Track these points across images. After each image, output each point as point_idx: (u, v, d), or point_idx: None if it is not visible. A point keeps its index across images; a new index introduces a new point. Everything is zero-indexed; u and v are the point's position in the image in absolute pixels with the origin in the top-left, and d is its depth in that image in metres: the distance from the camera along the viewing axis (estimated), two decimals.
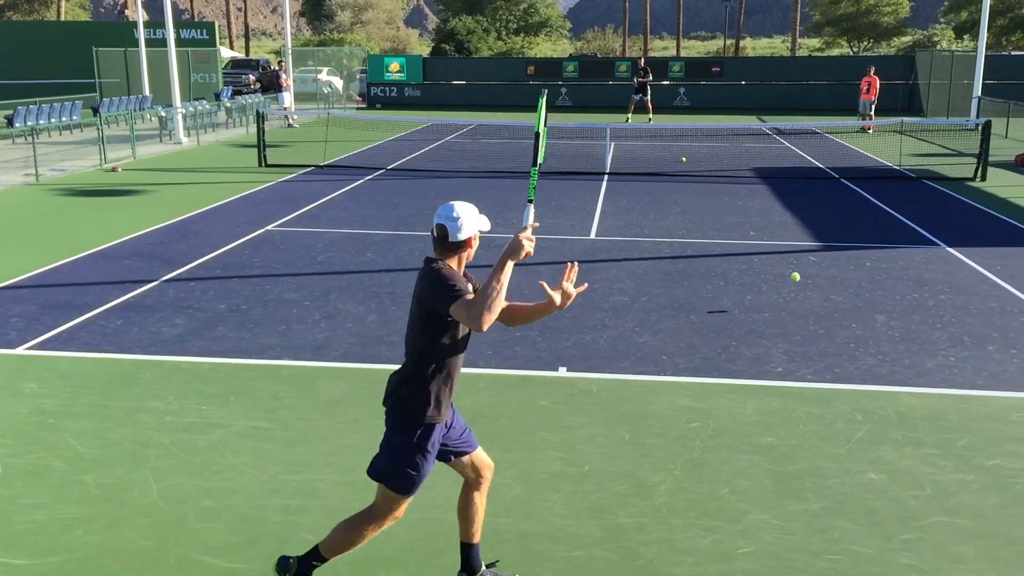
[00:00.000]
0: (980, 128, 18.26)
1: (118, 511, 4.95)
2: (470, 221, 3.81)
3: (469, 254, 3.90)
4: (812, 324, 8.37)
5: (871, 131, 26.80)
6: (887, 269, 10.46)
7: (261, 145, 19.47)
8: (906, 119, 24.95)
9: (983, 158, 17.68)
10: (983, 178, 17.50)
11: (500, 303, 3.59)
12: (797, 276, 6.76)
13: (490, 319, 3.55)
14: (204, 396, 6.58)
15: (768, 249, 11.53)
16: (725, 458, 5.64)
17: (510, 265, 3.62)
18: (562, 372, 7.11)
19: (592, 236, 12.24)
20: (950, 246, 11.68)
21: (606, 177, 17.73)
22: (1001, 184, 17.14)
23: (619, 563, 4.49)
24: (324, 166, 19.32)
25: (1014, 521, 4.88)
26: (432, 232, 3.84)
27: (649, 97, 30.30)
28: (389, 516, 3.96)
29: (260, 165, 19.17)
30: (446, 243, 3.81)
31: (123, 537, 4.69)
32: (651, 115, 30.53)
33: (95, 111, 24.88)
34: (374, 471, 3.90)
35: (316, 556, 4.08)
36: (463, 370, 7.09)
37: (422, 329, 3.79)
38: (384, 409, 3.90)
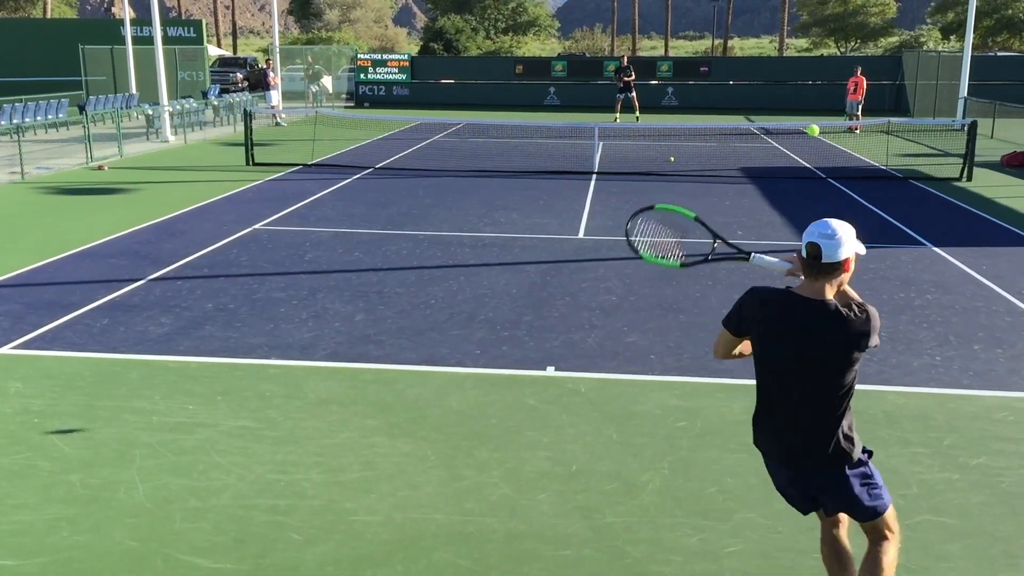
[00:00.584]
0: (966, 128, 18.35)
1: (104, 511, 4.92)
2: (848, 241, 3.45)
3: (843, 279, 3.50)
4: None
5: (858, 131, 26.90)
6: (874, 269, 10.50)
7: (249, 144, 19.40)
8: (893, 119, 25.02)
9: (969, 158, 17.77)
10: (969, 178, 17.59)
11: None
12: (816, 129, 6.34)
13: None
14: (191, 396, 6.55)
15: (756, 249, 11.52)
16: (713, 457, 5.65)
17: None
18: (550, 372, 7.11)
19: (580, 236, 12.24)
20: (936, 246, 11.74)
21: (594, 177, 17.74)
22: (987, 184, 17.23)
23: (607, 563, 4.49)
24: (312, 165, 19.27)
25: (999, 519, 4.91)
26: (801, 252, 3.51)
27: (635, 95, 30.30)
28: (897, 530, 3.77)
29: (248, 164, 19.10)
30: (818, 264, 3.44)
31: (109, 538, 4.66)
32: (638, 114, 30.55)
33: (81, 109, 24.72)
34: (872, 512, 3.67)
35: None
36: (450, 369, 7.11)
37: (851, 372, 3.54)
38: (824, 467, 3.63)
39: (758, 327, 3.62)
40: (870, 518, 3.68)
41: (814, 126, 6.44)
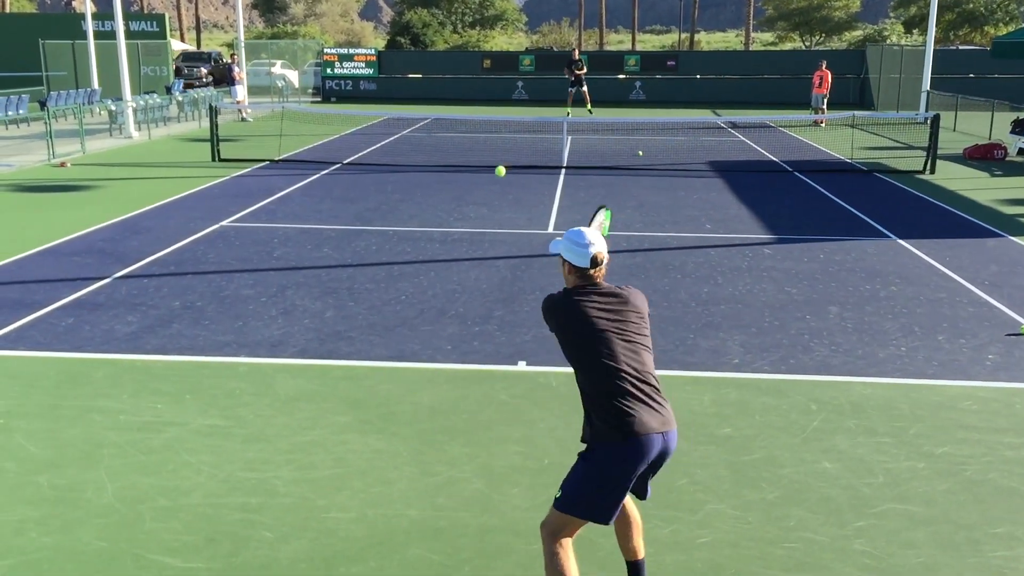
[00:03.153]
0: (929, 122, 18.60)
1: (72, 512, 4.87)
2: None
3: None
4: (767, 316, 8.47)
5: (823, 125, 27.16)
6: (840, 261, 10.63)
7: (214, 139, 19.23)
8: (857, 113, 25.32)
9: (932, 151, 18.02)
10: (932, 171, 17.84)
11: None
12: None
13: None
14: (159, 394, 6.49)
15: (724, 242, 11.65)
16: (683, 449, 5.68)
17: None
18: (521, 366, 7.12)
19: (550, 230, 12.26)
20: (901, 238, 11.90)
21: (563, 171, 17.78)
22: (949, 177, 17.48)
23: (579, 555, 4.49)
24: (279, 160, 19.12)
25: (963, 507, 4.99)
26: (581, 265, 3.95)
27: (586, 89, 29.91)
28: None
29: (213, 160, 18.93)
30: (599, 264, 3.95)
31: (78, 538, 4.61)
32: (590, 107, 30.23)
33: (42, 105, 24.35)
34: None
35: None
36: (421, 365, 7.10)
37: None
38: (673, 432, 3.80)
39: (579, 324, 3.81)
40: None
41: None
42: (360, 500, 5.02)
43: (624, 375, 3.69)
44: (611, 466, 3.65)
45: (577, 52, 33.78)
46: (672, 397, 6.45)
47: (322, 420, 6.07)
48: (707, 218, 13.19)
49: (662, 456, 3.74)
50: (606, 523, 3.76)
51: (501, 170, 6.11)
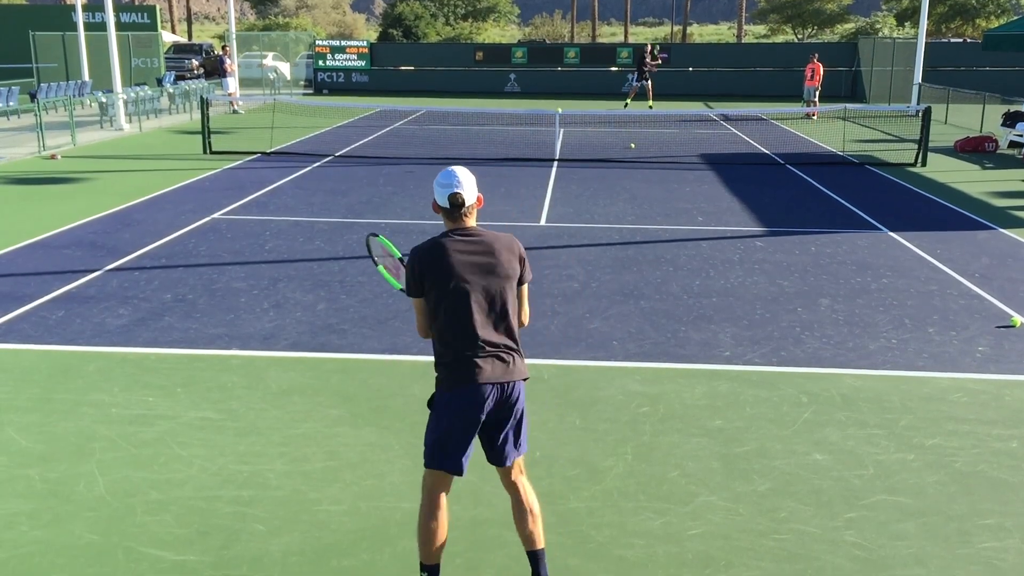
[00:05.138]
0: (920, 114, 18.64)
1: (64, 505, 4.86)
2: (472, 182, 3.94)
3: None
4: (759, 308, 8.50)
5: (815, 117, 27.19)
6: (831, 253, 10.65)
7: (205, 131, 19.17)
8: (849, 105, 25.32)
9: (923, 144, 18.06)
10: (923, 163, 17.88)
11: None
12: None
13: None
14: (150, 388, 6.48)
15: (716, 235, 11.67)
16: (675, 441, 5.71)
17: None
18: None
19: (542, 223, 12.27)
20: (892, 230, 11.93)
21: (556, 163, 17.77)
22: (940, 169, 17.52)
23: (571, 547, 4.53)
24: (270, 153, 19.08)
25: (953, 498, 5.02)
26: (443, 204, 3.87)
27: (650, 84, 29.87)
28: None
29: (205, 152, 18.88)
30: (462, 207, 3.88)
31: (69, 532, 4.61)
32: (651, 102, 30.15)
33: (32, 97, 24.23)
34: (523, 448, 4.06)
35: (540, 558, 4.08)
36: (413, 358, 7.10)
37: (517, 299, 3.96)
38: (515, 384, 3.90)
39: (437, 273, 3.83)
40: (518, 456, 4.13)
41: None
42: (352, 493, 5.03)
43: (466, 326, 3.78)
44: (445, 414, 3.84)
45: (650, 46, 33.19)
46: (664, 389, 6.51)
47: (314, 413, 6.07)
48: (699, 211, 13.21)
49: (503, 407, 3.86)
50: (456, 472, 3.94)
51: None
